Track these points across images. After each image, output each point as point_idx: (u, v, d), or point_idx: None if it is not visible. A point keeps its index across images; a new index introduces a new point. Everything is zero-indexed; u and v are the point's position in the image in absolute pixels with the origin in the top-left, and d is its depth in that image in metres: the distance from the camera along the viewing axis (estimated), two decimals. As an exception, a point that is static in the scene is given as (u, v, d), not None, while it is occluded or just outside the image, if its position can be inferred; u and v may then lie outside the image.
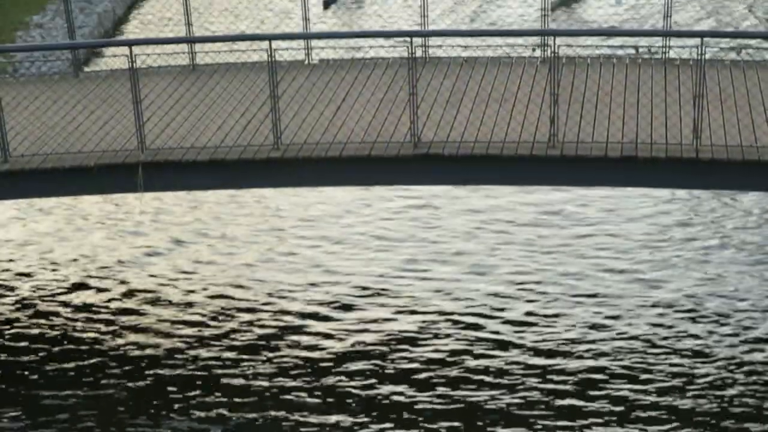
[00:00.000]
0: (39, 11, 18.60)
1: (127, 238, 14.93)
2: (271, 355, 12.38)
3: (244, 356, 12.35)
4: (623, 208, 15.13)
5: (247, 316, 13.14)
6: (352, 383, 11.83)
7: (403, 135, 12.02)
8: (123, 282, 13.94)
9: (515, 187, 14.95)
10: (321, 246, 14.61)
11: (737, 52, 15.36)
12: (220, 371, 12.13)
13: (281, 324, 12.99)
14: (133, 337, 12.77)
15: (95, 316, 13.22)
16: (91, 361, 12.38)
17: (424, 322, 12.94)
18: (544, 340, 12.50)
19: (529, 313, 13.05)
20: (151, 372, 12.16)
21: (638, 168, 11.63)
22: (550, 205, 15.28)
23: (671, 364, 11.91)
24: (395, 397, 11.58)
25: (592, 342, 12.39)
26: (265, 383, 11.86)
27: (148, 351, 12.53)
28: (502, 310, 13.12)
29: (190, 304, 13.40)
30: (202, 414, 11.43)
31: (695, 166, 11.54)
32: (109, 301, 13.56)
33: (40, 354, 12.54)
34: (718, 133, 11.86)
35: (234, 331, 12.86)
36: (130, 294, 13.68)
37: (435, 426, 11.13)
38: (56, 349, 12.63)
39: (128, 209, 15.54)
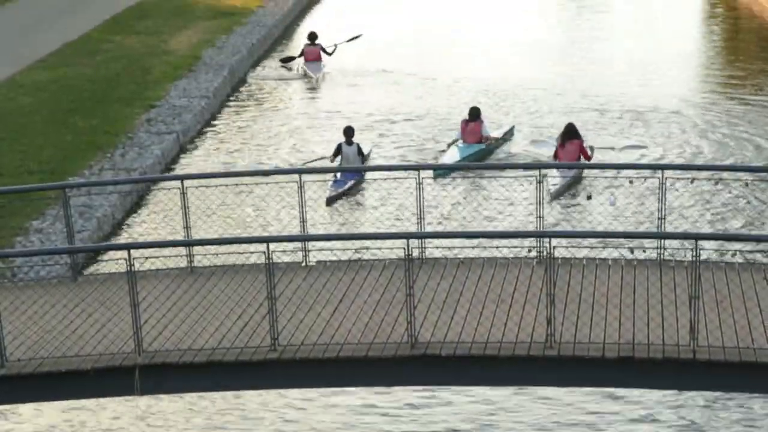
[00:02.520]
0: (39, 216, 18.85)
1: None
2: None
3: None
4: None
5: None
6: None
7: (400, 335, 12.01)
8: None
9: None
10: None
11: (732, 254, 15.52)
12: None
13: None
14: None
15: None
16: None
17: None
18: None
19: None
20: None
21: (635, 369, 11.60)
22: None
23: None
24: None
25: None
26: None
27: None
28: None
29: None
30: None
31: (692, 367, 11.51)
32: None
33: None
34: (715, 334, 11.86)
35: None
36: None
37: None
38: None
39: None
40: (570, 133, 22.77)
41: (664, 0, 43.43)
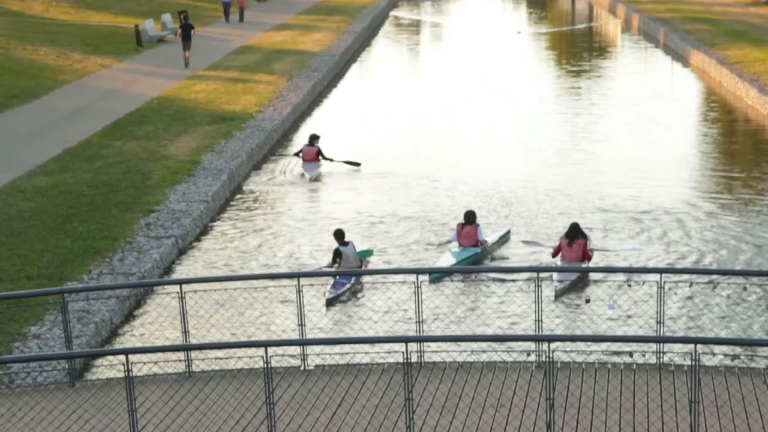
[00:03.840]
0: (37, 322, 18.82)
1: None
2: None
3: None
4: None
5: None
6: None
7: (399, 441, 11.96)
8: None
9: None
10: None
11: (732, 359, 15.48)
12: None
13: None
14: None
15: None
16: None
17: None
18: None
19: None
20: None
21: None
22: None
23: None
24: None
25: None
26: None
27: None
28: None
29: None
30: None
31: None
32: None
33: None
34: (716, 439, 11.81)
35: None
36: None
37: None
38: None
39: None
40: (574, 233, 22.98)
41: (660, 104, 43.92)
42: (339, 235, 22.98)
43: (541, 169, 32.67)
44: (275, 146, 35.64)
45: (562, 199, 28.77)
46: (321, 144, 32.94)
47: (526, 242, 25.02)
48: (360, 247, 23.78)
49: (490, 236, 24.82)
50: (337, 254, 22.70)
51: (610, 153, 35.12)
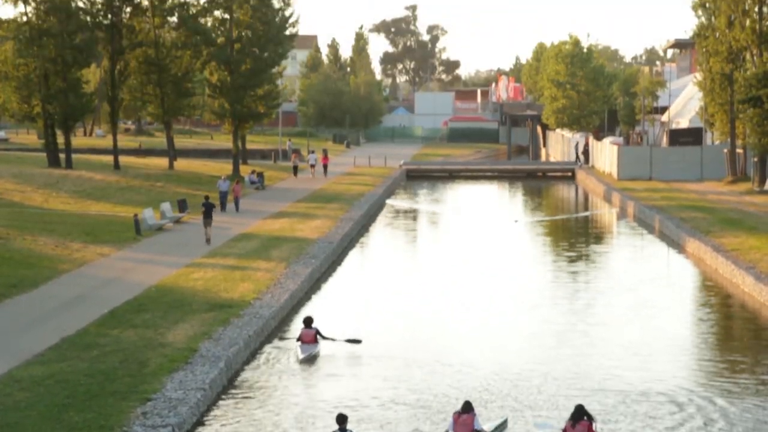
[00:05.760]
0: None
1: None
2: None
3: None
4: None
5: None
6: None
7: None
8: None
9: None
10: None
11: None
12: None
13: None
14: None
15: None
16: None
17: None
18: None
19: None
20: None
21: None
22: None
23: None
24: None
25: None
26: None
27: None
28: None
29: None
30: None
31: None
32: None
33: None
34: None
35: None
36: None
37: None
38: None
39: None
40: (579, 414, 22.92)
41: (657, 289, 44.12)
42: (341, 419, 22.92)
43: (541, 352, 32.70)
44: (273, 333, 35.57)
45: (563, 383, 28.65)
46: (317, 324, 33.10)
47: (537, 425, 24.89)
48: None
49: (486, 425, 24.66)
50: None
51: (609, 336, 35.14)
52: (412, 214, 76.55)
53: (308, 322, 33.12)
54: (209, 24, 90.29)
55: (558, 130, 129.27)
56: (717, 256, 47.42)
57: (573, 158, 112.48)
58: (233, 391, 28.85)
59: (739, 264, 44.38)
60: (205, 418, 26.21)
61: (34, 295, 38.01)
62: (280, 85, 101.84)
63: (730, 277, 44.54)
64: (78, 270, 43.16)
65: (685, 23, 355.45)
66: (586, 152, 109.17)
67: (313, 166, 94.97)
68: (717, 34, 79.08)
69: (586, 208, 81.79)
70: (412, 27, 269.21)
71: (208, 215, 51.46)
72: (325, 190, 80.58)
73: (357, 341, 33.02)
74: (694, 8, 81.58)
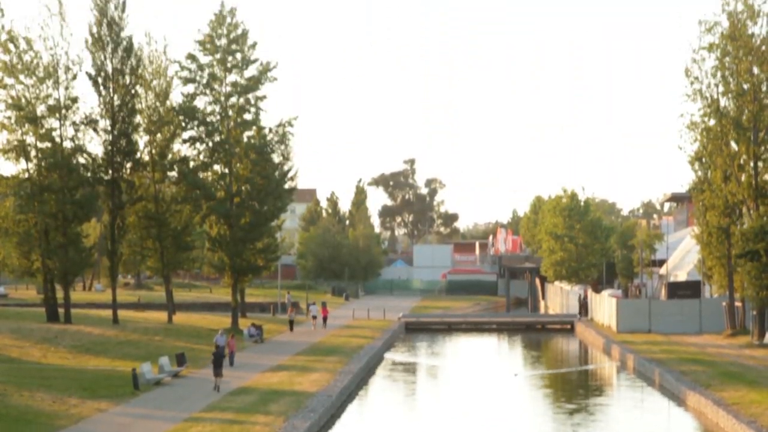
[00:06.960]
0: None
1: None
2: None
3: None
4: None
5: None
6: None
7: None
8: None
9: None
10: None
11: None
12: None
13: None
14: None
15: None
16: None
17: None
18: None
19: None
20: None
21: None
22: None
23: None
24: None
25: None
26: None
27: None
28: None
29: None
30: None
31: None
32: None
33: None
34: None
35: None
36: None
37: None
38: None
39: None
40: None
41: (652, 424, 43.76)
42: None
43: None
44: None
45: None
46: None
47: None
48: None
49: None
50: None
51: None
52: (411, 367, 76.15)
53: None
54: (209, 178, 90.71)
55: (557, 283, 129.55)
56: (718, 410, 47.10)
57: (572, 311, 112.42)
58: None
59: (740, 418, 44.06)
60: None
61: (30, 451, 37.65)
62: (279, 239, 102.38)
63: (732, 431, 44.17)
64: (75, 426, 42.78)
65: (682, 177, 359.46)
66: (585, 304, 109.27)
67: (314, 317, 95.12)
68: (713, 188, 79.81)
69: (585, 362, 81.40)
70: (410, 180, 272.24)
71: (218, 365, 53.65)
72: (323, 343, 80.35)
73: None
74: (691, 162, 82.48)
